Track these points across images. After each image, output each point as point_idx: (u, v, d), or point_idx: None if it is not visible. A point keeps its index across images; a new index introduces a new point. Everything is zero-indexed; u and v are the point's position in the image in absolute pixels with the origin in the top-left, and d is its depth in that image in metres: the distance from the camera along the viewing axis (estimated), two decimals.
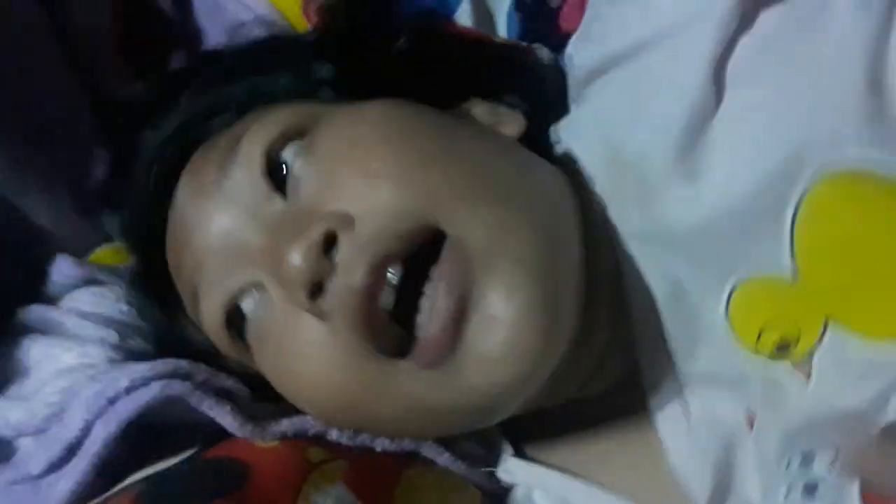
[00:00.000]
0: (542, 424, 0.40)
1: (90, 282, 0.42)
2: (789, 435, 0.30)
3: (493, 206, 0.30)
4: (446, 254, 0.30)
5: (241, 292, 0.34)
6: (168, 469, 0.30)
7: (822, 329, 0.30)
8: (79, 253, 0.45)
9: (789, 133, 0.29)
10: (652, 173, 0.33)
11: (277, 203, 0.33)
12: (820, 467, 0.28)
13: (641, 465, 0.35)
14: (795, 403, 0.27)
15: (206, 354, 0.37)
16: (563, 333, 0.31)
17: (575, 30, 0.69)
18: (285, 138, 0.34)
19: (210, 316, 0.35)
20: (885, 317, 0.28)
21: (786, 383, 0.30)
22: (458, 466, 0.37)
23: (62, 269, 0.42)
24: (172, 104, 0.39)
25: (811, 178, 0.29)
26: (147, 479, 0.30)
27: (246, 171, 0.34)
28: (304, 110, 0.35)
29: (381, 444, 0.35)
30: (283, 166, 0.34)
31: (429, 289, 0.30)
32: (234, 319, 0.34)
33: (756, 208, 0.30)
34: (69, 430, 0.31)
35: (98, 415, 0.30)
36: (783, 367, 0.30)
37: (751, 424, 0.32)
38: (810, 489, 0.29)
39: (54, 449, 0.31)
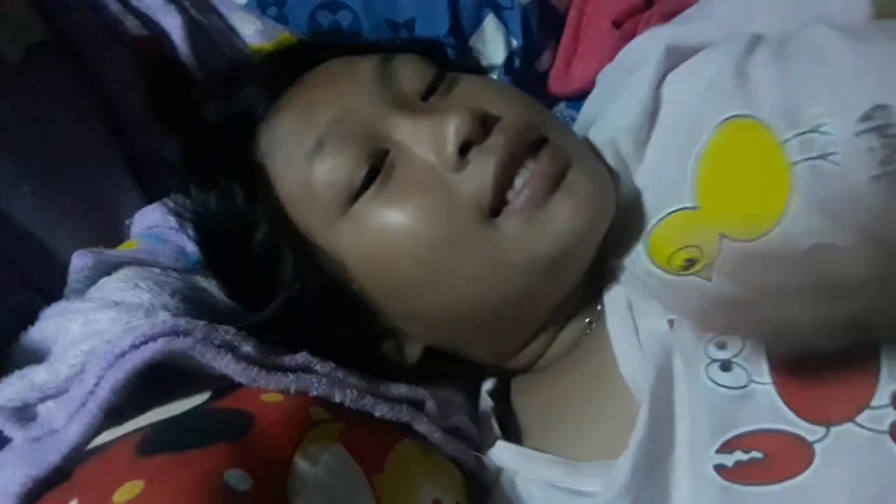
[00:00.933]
0: (528, 409, 0.45)
1: (106, 267, 0.44)
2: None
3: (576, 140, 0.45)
4: (549, 149, 0.41)
5: (377, 155, 0.41)
6: (174, 416, 0.32)
7: (718, 245, 0.38)
8: None
9: (691, 118, 0.43)
10: (622, 150, 0.46)
11: (422, 104, 0.43)
12: (732, 350, 0.34)
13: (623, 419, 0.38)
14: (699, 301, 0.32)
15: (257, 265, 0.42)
16: (609, 218, 0.42)
17: (562, 91, 0.75)
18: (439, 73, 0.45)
19: (337, 168, 0.41)
20: (756, 223, 0.37)
21: (693, 285, 0.38)
22: (449, 444, 0.38)
23: (78, 262, 0.45)
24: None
25: (707, 137, 0.42)
26: (152, 425, 0.31)
27: (407, 78, 0.44)
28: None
29: (379, 410, 0.37)
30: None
31: (523, 174, 0.41)
32: (369, 175, 0.41)
33: (673, 166, 0.43)
34: (86, 384, 0.33)
35: (108, 367, 0.33)
36: (690, 277, 0.39)
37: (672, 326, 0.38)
38: (725, 366, 0.34)
39: (73, 403, 0.33)
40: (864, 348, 0.32)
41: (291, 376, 0.35)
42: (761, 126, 0.38)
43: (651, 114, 0.46)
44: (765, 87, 0.40)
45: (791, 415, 0.32)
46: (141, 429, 0.32)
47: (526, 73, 0.74)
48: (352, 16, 0.70)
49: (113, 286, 0.42)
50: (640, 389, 0.37)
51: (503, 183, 0.40)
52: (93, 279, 0.44)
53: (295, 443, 0.31)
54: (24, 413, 0.35)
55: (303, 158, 0.42)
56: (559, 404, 0.43)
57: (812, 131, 0.36)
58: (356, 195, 0.41)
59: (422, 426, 0.39)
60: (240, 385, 0.34)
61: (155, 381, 0.34)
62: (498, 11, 0.74)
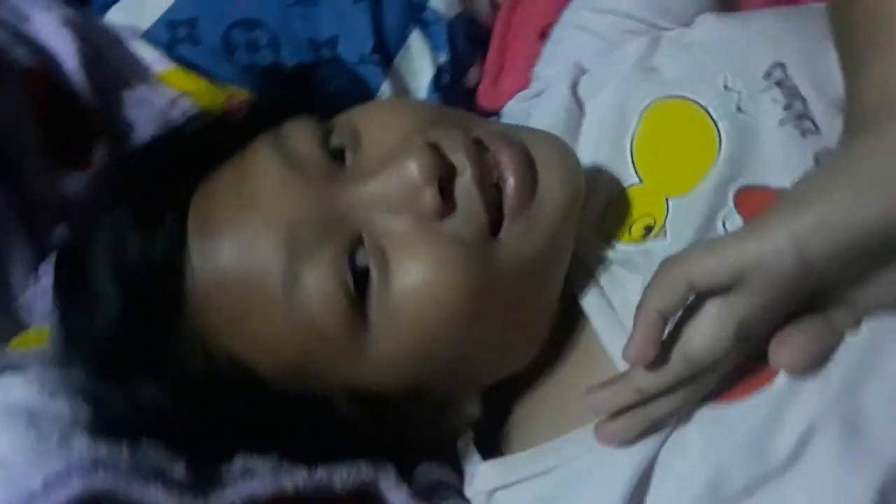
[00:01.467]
0: (513, 411, 0.43)
1: (3, 368, 0.40)
2: None
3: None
4: (495, 140, 0.38)
5: (353, 245, 0.36)
6: None
7: (666, 207, 0.42)
8: None
9: (616, 113, 0.46)
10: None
11: (343, 169, 0.38)
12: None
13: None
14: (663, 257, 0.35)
15: (142, 417, 0.36)
16: (582, 174, 0.40)
17: (491, 105, 0.74)
18: (325, 126, 0.39)
19: (324, 283, 0.35)
20: (692, 176, 0.41)
21: (654, 249, 0.40)
22: None
23: None
24: (128, 186, 0.40)
25: (635, 122, 0.45)
26: None
27: (308, 146, 0.38)
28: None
29: (338, 476, 0.34)
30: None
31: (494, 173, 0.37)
32: (355, 273, 0.36)
33: (609, 157, 0.45)
34: None
35: None
36: (650, 242, 0.41)
37: None
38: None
39: None
40: None
41: (230, 491, 0.32)
42: (682, 100, 0.44)
43: (575, 114, 0.49)
44: (672, 72, 0.46)
45: None
46: None
47: (455, 89, 0.72)
48: (269, 35, 0.66)
49: (21, 391, 0.37)
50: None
51: (493, 200, 0.37)
52: None
53: None
54: None
55: (279, 305, 0.36)
56: (543, 391, 0.42)
57: (726, 91, 0.42)
58: (363, 301, 0.36)
59: (386, 485, 0.37)
60: None
61: None
62: (423, 27, 0.71)
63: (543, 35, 0.73)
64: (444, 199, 0.36)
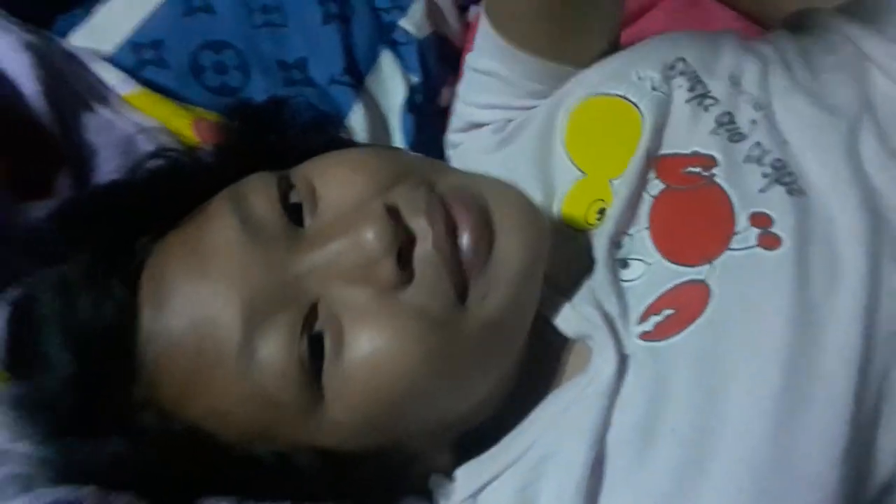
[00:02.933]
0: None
1: None
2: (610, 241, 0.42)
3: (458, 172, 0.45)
4: (456, 198, 0.37)
5: (310, 314, 0.35)
6: None
7: (611, 188, 0.44)
8: None
9: (542, 120, 0.49)
10: None
11: (300, 230, 0.37)
12: (625, 249, 0.42)
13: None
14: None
15: (102, 470, 0.34)
16: (545, 219, 0.40)
17: None
18: (285, 183, 0.38)
19: (280, 353, 0.34)
20: (626, 155, 0.44)
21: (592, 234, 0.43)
22: None
23: None
24: (82, 236, 0.38)
25: (562, 122, 0.48)
26: None
27: (266, 208, 0.37)
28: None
29: None
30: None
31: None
32: (313, 344, 0.34)
33: (548, 153, 0.48)
34: None
35: None
36: (608, 223, 0.43)
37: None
38: (624, 264, 0.41)
39: None
40: (712, 190, 0.40)
41: None
42: (601, 95, 0.47)
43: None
44: (590, 74, 0.50)
45: (681, 268, 0.39)
46: None
47: (428, 109, 0.71)
48: (237, 56, 0.65)
49: None
50: (580, 330, 0.40)
51: (457, 267, 0.36)
52: None
53: None
54: None
55: (234, 376, 0.34)
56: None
57: (640, 80, 0.46)
58: (318, 371, 0.35)
59: None
60: None
61: None
62: (394, 47, 0.71)
63: None
64: (403, 268, 0.35)
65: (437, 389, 0.37)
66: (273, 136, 0.46)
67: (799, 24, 0.50)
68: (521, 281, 0.37)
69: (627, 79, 0.47)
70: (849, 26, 0.45)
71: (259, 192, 0.37)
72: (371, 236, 0.34)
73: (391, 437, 0.38)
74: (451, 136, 0.59)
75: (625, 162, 0.44)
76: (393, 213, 0.35)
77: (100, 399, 0.35)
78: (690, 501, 0.34)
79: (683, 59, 0.47)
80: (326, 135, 0.50)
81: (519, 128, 0.52)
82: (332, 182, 0.37)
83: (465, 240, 0.36)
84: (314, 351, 0.35)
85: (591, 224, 0.44)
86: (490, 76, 0.52)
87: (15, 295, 0.42)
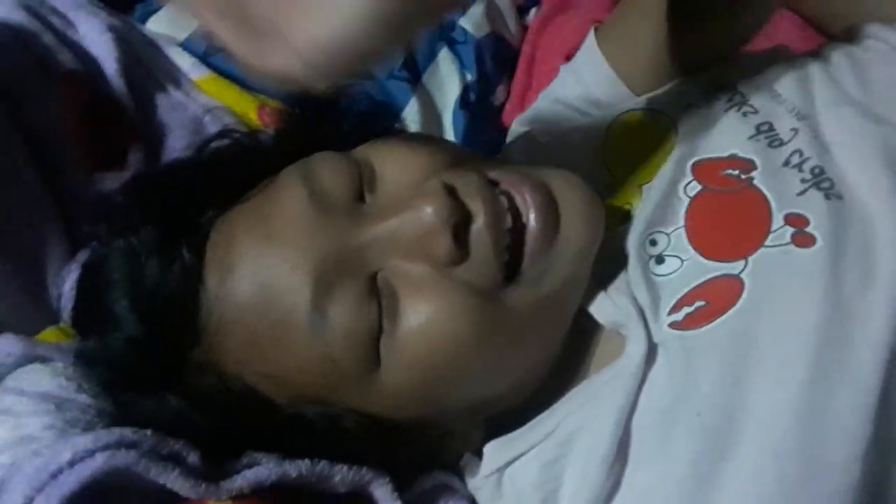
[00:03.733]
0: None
1: (33, 359, 0.41)
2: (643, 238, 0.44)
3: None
4: (530, 190, 0.38)
5: (371, 284, 0.36)
6: None
7: (640, 192, 0.46)
8: (25, 333, 0.45)
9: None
10: None
11: (363, 206, 0.38)
12: (661, 246, 0.43)
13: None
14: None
15: (158, 423, 0.36)
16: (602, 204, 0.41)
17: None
18: (350, 160, 0.39)
19: (349, 319, 0.36)
20: (654, 165, 0.47)
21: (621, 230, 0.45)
22: None
23: (3, 347, 0.41)
24: (152, 207, 0.40)
25: (605, 129, 0.51)
26: None
27: (335, 182, 0.38)
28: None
29: (338, 473, 0.35)
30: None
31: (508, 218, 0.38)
32: (378, 302, 0.36)
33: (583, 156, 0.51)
34: None
35: (39, 489, 0.29)
36: (638, 222, 0.44)
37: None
38: (659, 259, 0.42)
39: None
40: (750, 192, 0.41)
41: (238, 477, 0.33)
42: (640, 111, 0.51)
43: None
44: None
45: (715, 263, 0.40)
46: None
47: (481, 107, 0.73)
48: None
49: (49, 381, 0.38)
50: (614, 319, 0.41)
51: (506, 247, 0.37)
52: (19, 366, 0.40)
53: None
54: None
55: (302, 339, 0.36)
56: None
57: (678, 96, 0.50)
58: (376, 342, 0.36)
59: (380, 490, 0.37)
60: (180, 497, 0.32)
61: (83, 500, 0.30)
62: (452, 45, 0.72)
63: (569, 57, 0.75)
64: (458, 245, 0.36)
65: (483, 363, 0.38)
66: (330, 124, 0.48)
67: (855, 37, 0.50)
68: (580, 261, 0.39)
69: (667, 94, 0.50)
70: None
71: (327, 166, 0.39)
72: (430, 211, 0.36)
73: (434, 410, 0.39)
74: (515, 126, 0.61)
75: (656, 169, 0.46)
76: (451, 191, 0.37)
77: (162, 359, 0.37)
78: (712, 487, 0.35)
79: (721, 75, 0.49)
80: (381, 125, 0.52)
81: (567, 130, 0.54)
82: (392, 162, 0.39)
83: (531, 218, 0.37)
84: (375, 319, 0.36)
85: (616, 225, 0.45)
86: (582, 96, 0.57)
87: (86, 258, 0.45)
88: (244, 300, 0.37)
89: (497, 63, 0.74)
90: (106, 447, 0.30)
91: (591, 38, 0.59)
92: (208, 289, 0.37)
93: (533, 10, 0.80)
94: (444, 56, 0.72)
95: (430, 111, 0.70)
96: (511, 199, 0.38)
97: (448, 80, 0.71)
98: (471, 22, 0.73)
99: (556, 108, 0.58)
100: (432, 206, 0.36)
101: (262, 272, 0.36)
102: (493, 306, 0.37)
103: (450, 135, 0.71)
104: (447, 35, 0.73)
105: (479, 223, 0.37)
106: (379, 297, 0.36)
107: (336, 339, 0.36)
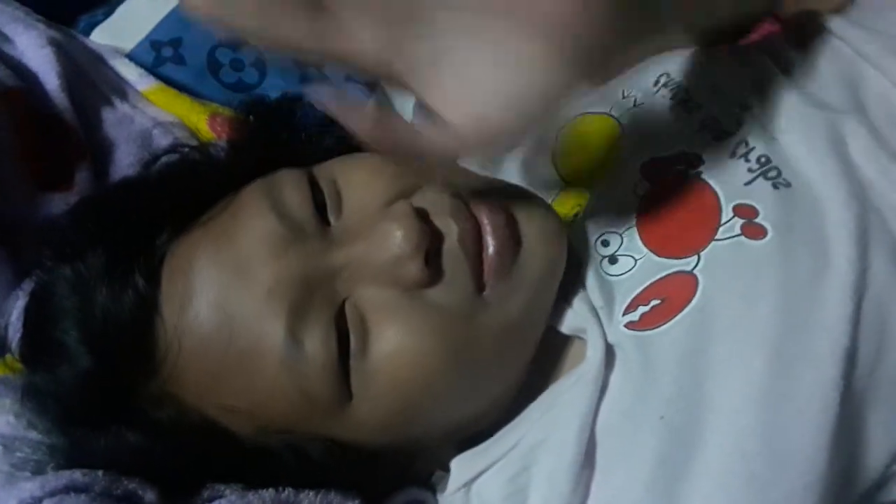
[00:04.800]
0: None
1: None
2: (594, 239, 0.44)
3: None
4: (489, 213, 0.37)
5: (339, 310, 0.35)
6: None
7: (591, 194, 0.47)
8: None
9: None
10: None
11: (330, 228, 0.37)
12: (613, 246, 0.42)
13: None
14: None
15: (113, 459, 0.35)
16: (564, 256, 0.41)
17: None
18: (312, 181, 0.38)
19: (322, 347, 0.34)
20: (596, 173, 0.47)
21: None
22: None
23: None
24: (101, 230, 0.38)
25: (553, 135, 0.50)
26: None
27: (301, 205, 0.37)
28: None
29: (306, 500, 0.34)
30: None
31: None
32: (343, 342, 0.34)
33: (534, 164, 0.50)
34: None
35: None
36: (587, 225, 0.45)
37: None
38: (612, 260, 0.42)
39: None
40: (698, 187, 0.41)
41: None
42: (589, 114, 0.50)
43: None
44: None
45: (668, 260, 0.40)
46: None
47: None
48: (254, 54, 0.66)
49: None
50: (573, 325, 0.41)
51: (479, 265, 0.36)
52: None
53: None
54: None
55: (272, 370, 0.34)
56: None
57: (624, 99, 0.49)
58: (346, 368, 0.35)
59: None
60: None
61: None
62: None
63: None
64: (430, 267, 0.35)
65: (456, 387, 0.37)
66: (286, 132, 0.46)
67: (799, 27, 0.50)
68: (542, 287, 0.38)
69: (614, 97, 0.49)
70: (844, 28, 0.46)
71: (292, 188, 0.37)
72: (400, 235, 0.34)
73: (406, 435, 0.38)
74: None
75: (604, 170, 0.46)
76: (420, 214, 0.35)
77: (115, 393, 0.36)
78: (680, 488, 0.34)
79: (667, 73, 0.48)
80: (338, 132, 0.51)
81: None
82: (357, 183, 0.38)
83: (490, 244, 0.36)
84: (343, 348, 0.35)
85: (568, 229, 0.45)
86: None
87: (32, 286, 0.43)
88: (207, 330, 0.35)
89: None
90: (53, 493, 0.29)
91: None
92: (165, 318, 0.35)
93: None
94: None
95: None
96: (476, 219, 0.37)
97: None
98: None
99: None
100: (401, 230, 0.34)
101: (229, 299, 0.35)
102: (464, 328, 0.36)
103: None
104: None
105: (451, 241, 0.36)
106: (346, 325, 0.35)
107: (310, 369, 0.34)
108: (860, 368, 0.35)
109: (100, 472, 0.32)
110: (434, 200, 0.37)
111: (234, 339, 0.34)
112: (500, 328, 0.37)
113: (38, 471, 0.33)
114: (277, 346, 0.34)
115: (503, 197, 0.38)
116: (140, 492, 0.32)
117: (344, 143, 0.43)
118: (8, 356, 0.43)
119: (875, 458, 0.35)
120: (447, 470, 0.41)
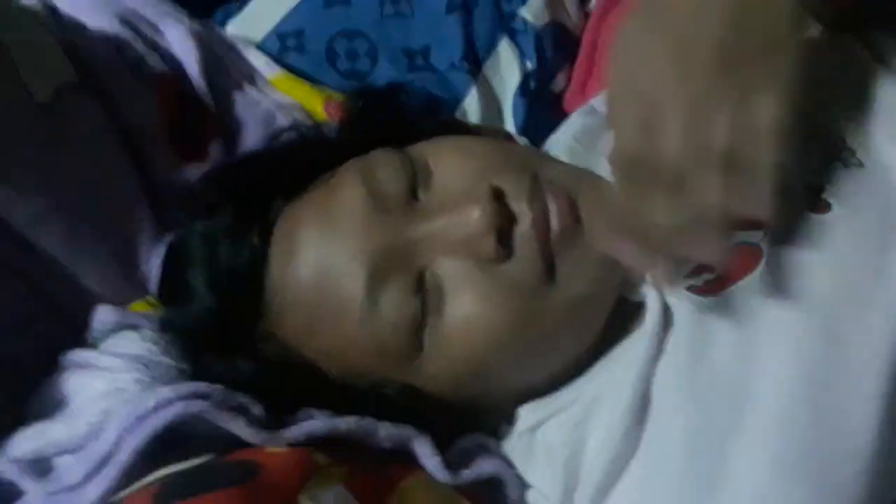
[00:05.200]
0: None
1: (125, 326, 0.47)
2: None
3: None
4: (554, 199, 0.40)
5: (419, 277, 0.39)
6: (184, 469, 0.34)
7: None
8: (119, 304, 0.51)
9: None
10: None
11: (416, 203, 0.41)
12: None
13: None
14: None
15: (229, 381, 0.41)
16: None
17: (577, 108, 0.75)
18: (406, 159, 0.42)
19: (397, 309, 0.39)
20: None
21: None
22: (443, 474, 0.40)
23: (101, 316, 0.47)
24: (228, 195, 0.45)
25: None
26: (164, 478, 0.33)
27: (392, 181, 0.41)
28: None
29: (384, 429, 0.39)
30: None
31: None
32: (420, 304, 0.39)
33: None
34: (104, 443, 0.35)
35: (129, 430, 0.34)
36: None
37: None
38: None
39: (91, 461, 0.35)
40: None
41: (294, 428, 0.37)
42: None
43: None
44: None
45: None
46: (153, 483, 0.34)
47: (541, 94, 0.74)
48: (367, 44, 0.71)
49: (140, 345, 0.43)
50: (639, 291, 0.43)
51: (549, 249, 0.40)
52: (114, 332, 0.46)
53: (299, 485, 0.33)
54: (39, 466, 0.36)
55: (354, 323, 0.40)
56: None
57: None
58: (421, 329, 0.40)
59: (421, 447, 0.40)
60: (243, 444, 0.36)
61: (162, 442, 0.35)
62: (512, 35, 0.74)
63: None
64: (502, 245, 0.39)
65: (524, 355, 0.41)
66: (389, 117, 0.51)
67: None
68: (604, 267, 0.41)
69: None
70: None
71: (385, 165, 0.42)
72: (477, 214, 0.38)
73: (476, 392, 0.42)
74: (575, 118, 0.64)
75: None
76: (498, 196, 0.39)
77: (232, 328, 0.42)
78: (728, 447, 0.35)
79: None
80: (438, 118, 0.55)
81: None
82: (446, 163, 0.42)
83: (554, 224, 0.40)
84: (420, 310, 0.39)
85: None
86: None
87: (170, 239, 0.50)
88: (304, 283, 0.40)
89: (557, 51, 0.75)
90: (183, 396, 0.35)
91: None
92: (272, 271, 0.41)
93: None
94: (505, 46, 0.74)
95: (490, 99, 0.73)
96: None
97: (508, 70, 0.73)
98: (531, 11, 0.75)
99: None
100: (479, 210, 0.38)
101: (322, 260, 0.40)
102: (532, 303, 0.39)
103: (510, 122, 0.73)
104: (508, 26, 0.74)
105: (524, 225, 0.39)
106: (425, 291, 0.39)
107: (384, 325, 0.39)
108: None
109: (219, 386, 0.38)
110: (514, 183, 0.40)
111: (326, 294, 0.40)
112: (568, 306, 0.40)
113: (171, 381, 0.40)
114: (357, 303, 0.39)
115: (576, 183, 0.41)
116: (249, 405, 0.38)
117: (442, 128, 0.48)
118: (149, 296, 0.51)
119: None
120: (513, 424, 0.44)
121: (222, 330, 0.42)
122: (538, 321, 0.40)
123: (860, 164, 0.40)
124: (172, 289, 0.46)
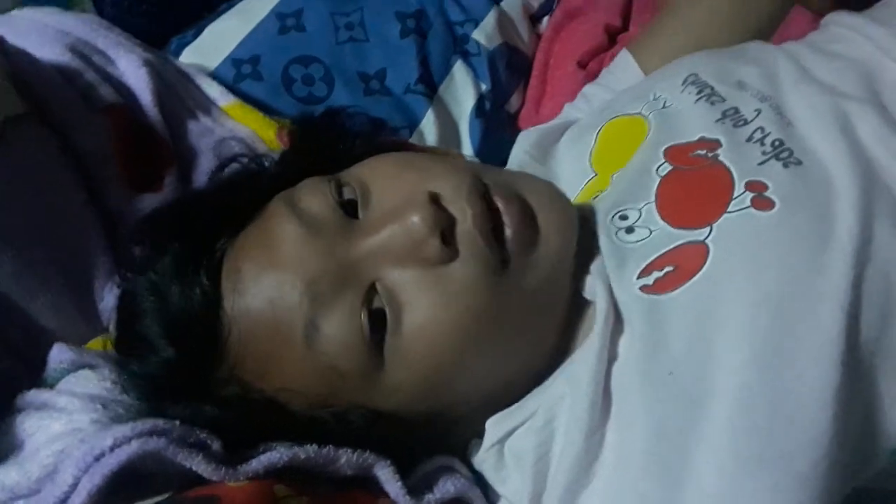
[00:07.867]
0: None
1: (82, 365, 0.46)
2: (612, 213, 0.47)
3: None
4: (505, 201, 0.42)
5: (369, 293, 0.40)
6: None
7: (610, 180, 0.51)
8: (76, 342, 0.50)
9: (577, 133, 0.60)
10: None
11: (355, 222, 0.42)
12: (632, 220, 0.46)
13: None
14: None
15: (185, 418, 0.40)
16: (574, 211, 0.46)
17: (531, 127, 0.77)
18: (337, 183, 0.43)
19: (342, 329, 0.39)
20: (625, 156, 0.51)
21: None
22: (405, 500, 0.40)
23: (57, 355, 0.46)
24: (173, 236, 0.45)
25: (594, 134, 0.56)
26: None
27: (321, 206, 0.42)
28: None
29: (344, 456, 0.39)
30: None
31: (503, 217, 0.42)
32: (374, 318, 0.39)
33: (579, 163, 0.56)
34: (60, 486, 0.34)
35: (85, 470, 0.34)
36: (606, 201, 0.50)
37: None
38: (629, 230, 0.46)
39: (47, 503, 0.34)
40: (715, 167, 0.45)
41: (254, 461, 0.37)
42: (623, 115, 0.55)
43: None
44: (622, 96, 0.60)
45: (682, 231, 0.43)
46: None
47: (496, 115, 0.76)
48: (323, 69, 0.72)
49: (98, 384, 0.43)
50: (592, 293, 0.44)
51: (495, 242, 0.41)
52: (70, 372, 0.45)
53: None
54: None
55: (302, 352, 0.40)
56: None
57: (654, 100, 0.53)
58: (379, 342, 0.40)
59: (382, 472, 0.40)
60: (204, 480, 0.36)
61: (121, 480, 0.35)
62: (466, 58, 0.76)
63: (582, 64, 0.77)
64: (447, 246, 0.40)
65: (485, 351, 0.41)
66: (327, 143, 0.52)
67: (825, 25, 0.54)
68: (558, 259, 0.43)
69: (646, 98, 0.54)
70: (867, 25, 0.49)
71: (312, 192, 0.43)
72: (416, 219, 0.39)
73: (441, 404, 0.42)
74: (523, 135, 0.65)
75: (626, 158, 0.51)
76: (436, 199, 0.40)
77: (192, 376, 0.42)
78: (689, 439, 0.37)
79: (696, 74, 0.53)
80: (376, 140, 0.56)
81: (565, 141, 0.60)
82: (384, 178, 0.43)
83: (507, 225, 0.41)
84: (375, 325, 0.40)
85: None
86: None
87: (123, 280, 0.50)
88: (255, 319, 0.41)
89: (511, 72, 0.77)
90: (140, 434, 0.35)
91: (625, 57, 0.64)
92: (225, 309, 0.41)
93: (545, 19, 0.82)
94: (459, 68, 0.75)
95: (447, 121, 0.74)
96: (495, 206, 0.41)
97: (463, 91, 0.75)
98: (483, 34, 0.77)
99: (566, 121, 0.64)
100: (418, 215, 0.39)
101: (267, 293, 0.40)
102: (487, 297, 0.40)
103: (466, 143, 0.74)
104: (461, 48, 0.76)
105: (466, 224, 0.40)
106: (372, 304, 0.40)
107: (334, 347, 0.40)
108: (865, 333, 0.37)
109: (177, 422, 0.37)
110: (452, 189, 0.41)
111: (275, 327, 0.40)
112: (523, 298, 0.41)
113: (129, 418, 0.39)
114: (299, 330, 0.40)
115: (520, 187, 0.43)
116: (208, 441, 0.37)
117: (381, 150, 0.49)
118: (106, 335, 0.51)
119: (894, 427, 0.37)
120: (481, 437, 0.45)
121: (182, 378, 0.42)
122: (496, 314, 0.40)
123: (798, 163, 0.42)
124: (128, 341, 0.45)
